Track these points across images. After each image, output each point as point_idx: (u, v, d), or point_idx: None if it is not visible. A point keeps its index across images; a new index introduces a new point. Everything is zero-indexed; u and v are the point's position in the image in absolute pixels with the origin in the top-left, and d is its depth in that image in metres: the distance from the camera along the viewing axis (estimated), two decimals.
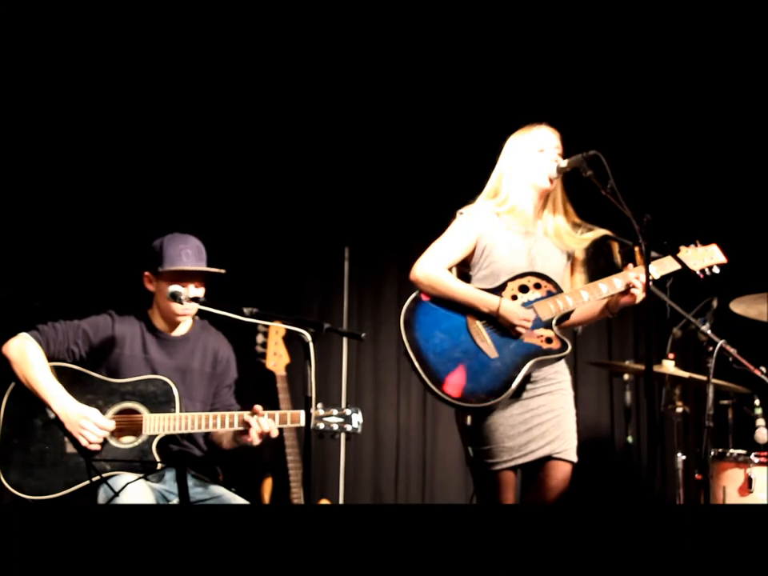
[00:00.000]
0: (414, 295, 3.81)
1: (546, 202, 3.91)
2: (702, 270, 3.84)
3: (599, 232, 3.87)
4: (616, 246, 3.82)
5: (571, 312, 3.84)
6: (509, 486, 3.73)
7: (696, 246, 3.88)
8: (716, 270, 3.86)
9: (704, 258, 3.85)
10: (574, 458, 3.79)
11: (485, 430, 3.72)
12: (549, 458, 3.75)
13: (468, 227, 3.85)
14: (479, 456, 3.74)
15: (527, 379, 3.73)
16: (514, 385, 3.65)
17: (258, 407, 3.83)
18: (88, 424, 3.78)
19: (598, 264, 3.94)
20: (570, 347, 3.73)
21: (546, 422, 3.75)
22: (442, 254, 3.82)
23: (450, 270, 3.85)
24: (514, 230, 3.84)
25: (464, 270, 3.88)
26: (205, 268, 3.97)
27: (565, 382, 3.86)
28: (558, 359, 3.77)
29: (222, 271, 3.99)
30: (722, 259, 3.88)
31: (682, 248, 3.85)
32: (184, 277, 3.93)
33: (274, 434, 3.83)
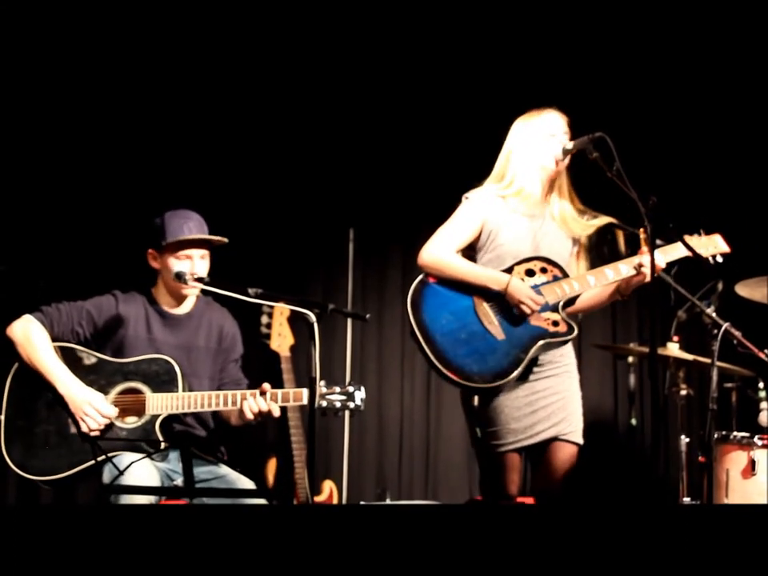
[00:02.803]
0: (420, 277, 3.82)
1: (553, 187, 3.90)
2: (706, 259, 3.85)
3: (604, 219, 3.87)
4: (620, 234, 3.83)
5: (576, 297, 3.84)
6: (514, 467, 3.75)
7: (700, 235, 3.87)
8: (719, 260, 3.86)
9: (708, 246, 3.86)
10: (580, 440, 3.81)
11: (491, 411, 3.74)
12: (554, 440, 3.76)
13: (473, 211, 3.85)
14: (485, 437, 3.75)
15: (533, 362, 3.74)
16: (522, 366, 3.66)
17: (266, 385, 3.82)
18: (91, 411, 3.78)
19: (601, 251, 3.94)
20: (576, 330, 3.74)
21: (551, 404, 3.76)
22: (448, 238, 3.83)
23: (456, 253, 3.85)
24: (520, 212, 3.84)
25: (470, 254, 3.88)
26: (208, 236, 3.97)
27: (571, 365, 3.87)
28: (565, 342, 3.77)
29: (225, 240, 3.99)
30: (725, 248, 3.88)
31: (686, 237, 3.84)
32: (188, 247, 3.93)
33: (275, 413, 3.83)
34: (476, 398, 3.76)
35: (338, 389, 3.81)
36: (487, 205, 3.84)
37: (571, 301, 3.83)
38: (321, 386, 3.79)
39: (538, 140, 3.83)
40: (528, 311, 3.71)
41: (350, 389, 3.82)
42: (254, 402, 3.79)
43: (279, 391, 3.83)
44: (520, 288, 3.72)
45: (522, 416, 3.73)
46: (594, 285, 3.80)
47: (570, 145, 3.79)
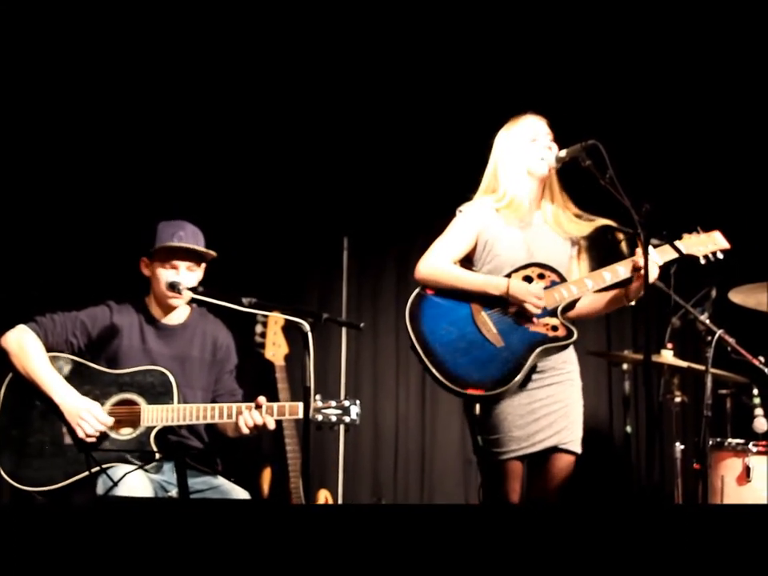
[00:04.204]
0: (418, 290, 3.83)
1: (544, 192, 3.91)
2: (706, 256, 3.84)
3: (601, 221, 3.87)
4: (620, 236, 3.82)
5: (576, 301, 3.83)
6: (516, 475, 3.74)
7: (698, 232, 3.87)
8: (720, 256, 3.85)
9: (707, 244, 3.84)
10: (579, 450, 3.81)
11: (493, 419, 3.73)
12: (554, 449, 3.76)
13: (468, 224, 3.87)
14: (487, 445, 3.76)
15: (534, 369, 3.74)
16: (522, 373, 3.66)
17: (261, 399, 3.82)
18: (88, 416, 3.78)
19: (600, 254, 3.93)
20: (575, 334, 3.73)
21: (553, 412, 3.76)
22: (444, 251, 3.85)
23: (453, 264, 3.86)
24: (513, 223, 3.85)
25: (468, 266, 3.89)
26: (195, 246, 3.96)
27: (573, 372, 3.86)
28: (565, 347, 3.76)
29: (213, 254, 3.99)
30: (725, 245, 3.87)
31: (685, 235, 3.85)
32: (176, 256, 3.93)
33: (271, 426, 3.83)
34: (477, 407, 3.77)
35: (333, 403, 3.81)
36: (481, 217, 3.86)
37: (571, 305, 3.83)
38: (317, 400, 3.79)
39: (521, 147, 3.86)
40: (534, 310, 3.71)
41: (346, 403, 3.82)
42: (249, 416, 3.79)
43: (275, 404, 3.83)
44: (521, 287, 3.72)
45: (524, 423, 3.72)
46: (593, 288, 3.79)
47: (563, 153, 3.81)
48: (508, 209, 3.85)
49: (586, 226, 3.90)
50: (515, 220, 3.85)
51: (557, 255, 3.87)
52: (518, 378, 3.65)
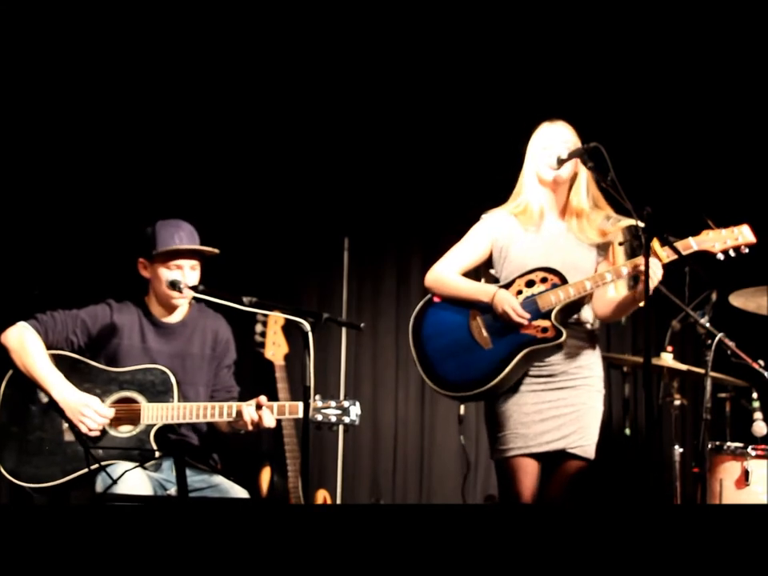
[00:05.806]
0: (426, 297, 3.93)
1: (569, 198, 3.91)
2: (725, 252, 3.71)
3: (627, 221, 3.82)
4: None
5: (576, 302, 3.82)
6: (526, 473, 3.74)
7: (713, 228, 3.72)
8: (744, 251, 3.71)
9: (726, 239, 3.71)
10: (590, 456, 3.80)
11: (499, 417, 3.78)
12: (564, 453, 3.76)
13: (482, 232, 3.93)
14: (494, 443, 3.80)
15: (527, 371, 3.76)
16: (503, 373, 3.70)
17: (262, 399, 3.84)
18: (89, 411, 3.79)
19: (634, 253, 3.86)
20: (564, 335, 3.71)
21: (563, 415, 3.76)
22: (453, 259, 3.92)
23: (467, 274, 3.91)
24: (528, 229, 3.88)
25: (490, 272, 3.95)
26: (199, 246, 3.98)
27: (592, 378, 3.85)
28: (554, 348, 3.75)
29: (216, 251, 4.00)
30: (751, 239, 3.72)
31: (704, 231, 3.74)
32: (178, 257, 3.94)
33: (271, 424, 3.84)
34: (462, 408, 3.80)
35: (333, 403, 3.82)
36: (497, 224, 3.91)
37: (576, 307, 3.82)
38: (316, 400, 3.80)
39: (534, 155, 3.88)
40: (510, 320, 3.73)
41: (346, 404, 3.83)
42: (254, 411, 3.80)
43: (274, 404, 3.84)
44: (503, 298, 3.76)
45: (530, 422, 3.74)
46: (592, 288, 3.77)
47: (564, 154, 3.80)
48: (523, 215, 3.89)
49: (607, 234, 3.86)
50: (530, 226, 3.88)
51: (577, 261, 3.85)
52: (498, 378, 3.70)
